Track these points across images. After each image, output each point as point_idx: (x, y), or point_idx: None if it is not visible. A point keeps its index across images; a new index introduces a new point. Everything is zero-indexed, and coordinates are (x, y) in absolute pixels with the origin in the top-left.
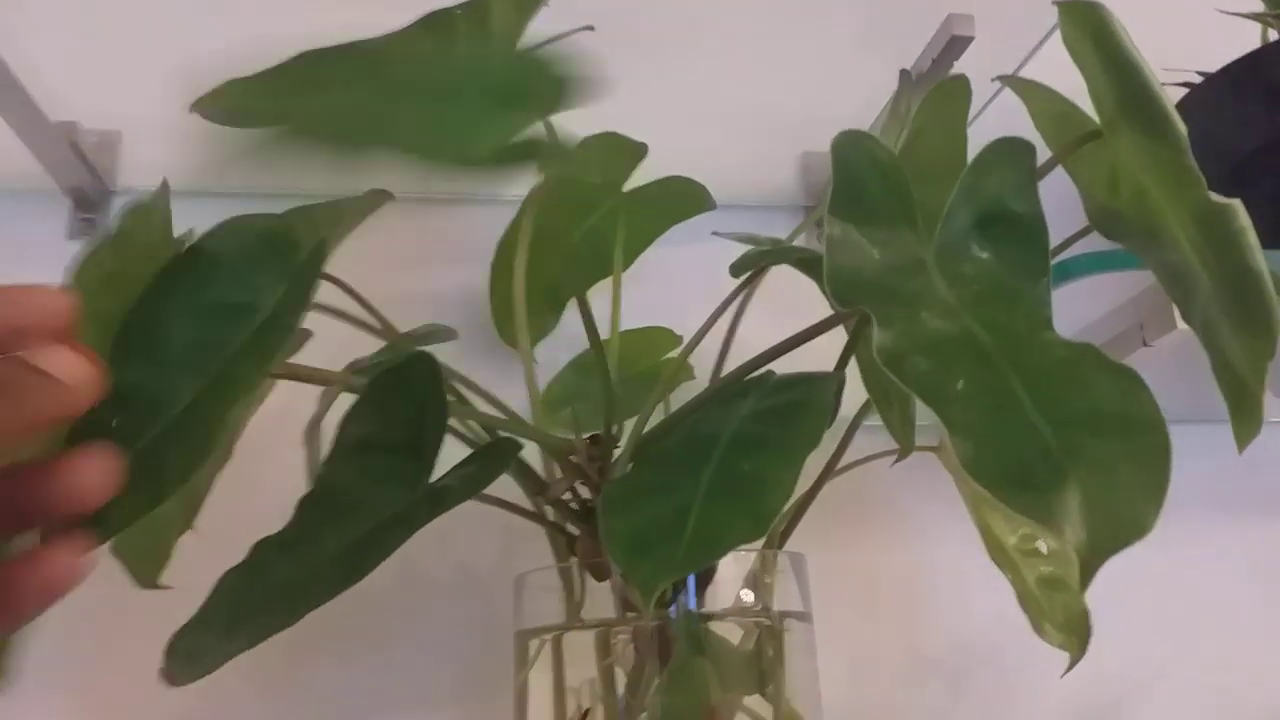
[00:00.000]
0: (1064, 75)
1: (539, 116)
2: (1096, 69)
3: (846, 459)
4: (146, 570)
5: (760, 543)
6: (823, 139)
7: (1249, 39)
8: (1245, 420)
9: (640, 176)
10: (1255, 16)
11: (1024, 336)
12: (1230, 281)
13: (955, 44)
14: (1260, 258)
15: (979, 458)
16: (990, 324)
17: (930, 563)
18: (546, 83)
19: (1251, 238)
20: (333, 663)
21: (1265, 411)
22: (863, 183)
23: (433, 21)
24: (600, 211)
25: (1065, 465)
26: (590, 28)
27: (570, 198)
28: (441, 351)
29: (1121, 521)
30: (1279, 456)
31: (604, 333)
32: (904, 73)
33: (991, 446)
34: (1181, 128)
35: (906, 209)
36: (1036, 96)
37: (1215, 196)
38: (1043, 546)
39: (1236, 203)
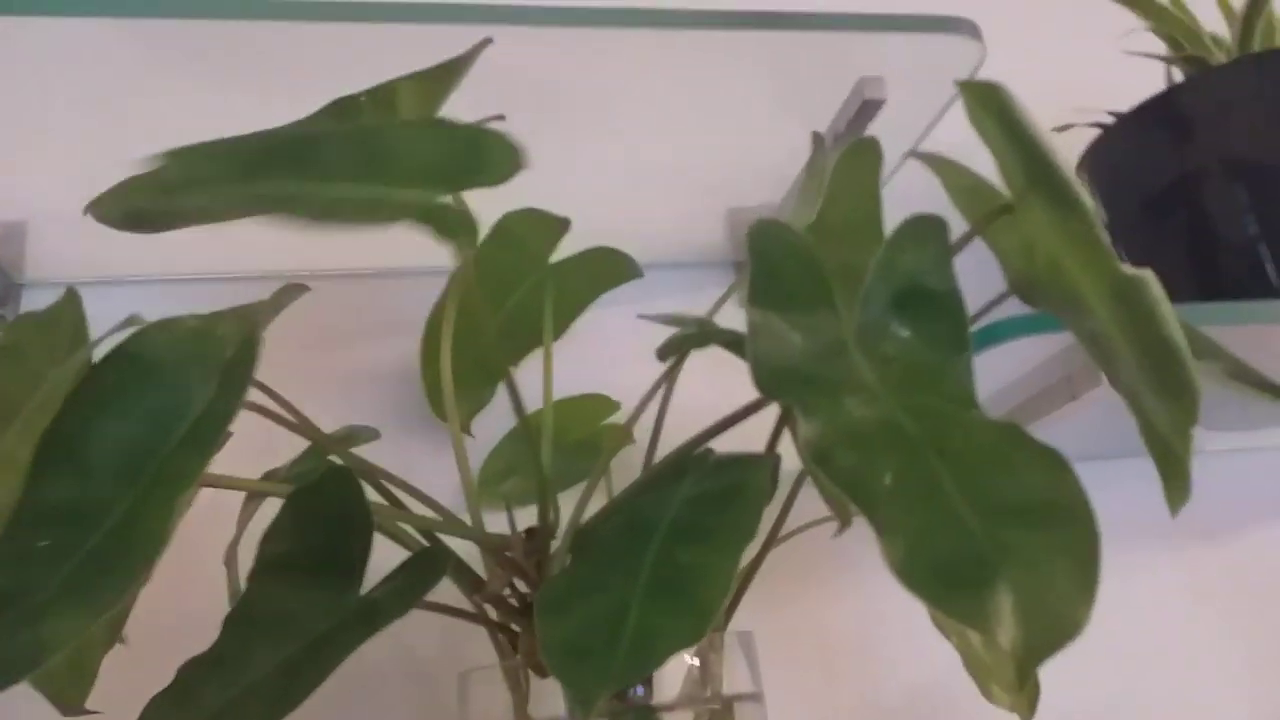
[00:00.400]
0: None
1: (487, 185)
2: (1002, 145)
3: (791, 522)
4: (72, 696)
5: None
6: (750, 195)
7: (1155, 80)
8: (1175, 485)
9: (569, 241)
10: (1161, 58)
11: (948, 417)
12: (1149, 352)
13: (867, 107)
14: (1176, 328)
15: (910, 560)
16: (914, 407)
17: (880, 614)
18: (491, 154)
19: (1166, 308)
20: None
21: (1198, 444)
22: (780, 269)
23: (338, 109)
24: (526, 285)
25: (995, 562)
26: (501, 116)
27: (495, 273)
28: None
29: (1055, 619)
30: (1217, 486)
31: (541, 402)
32: (816, 135)
33: (922, 546)
34: (1089, 202)
35: (824, 291)
36: (948, 171)
37: (1127, 268)
38: None
39: (1148, 274)
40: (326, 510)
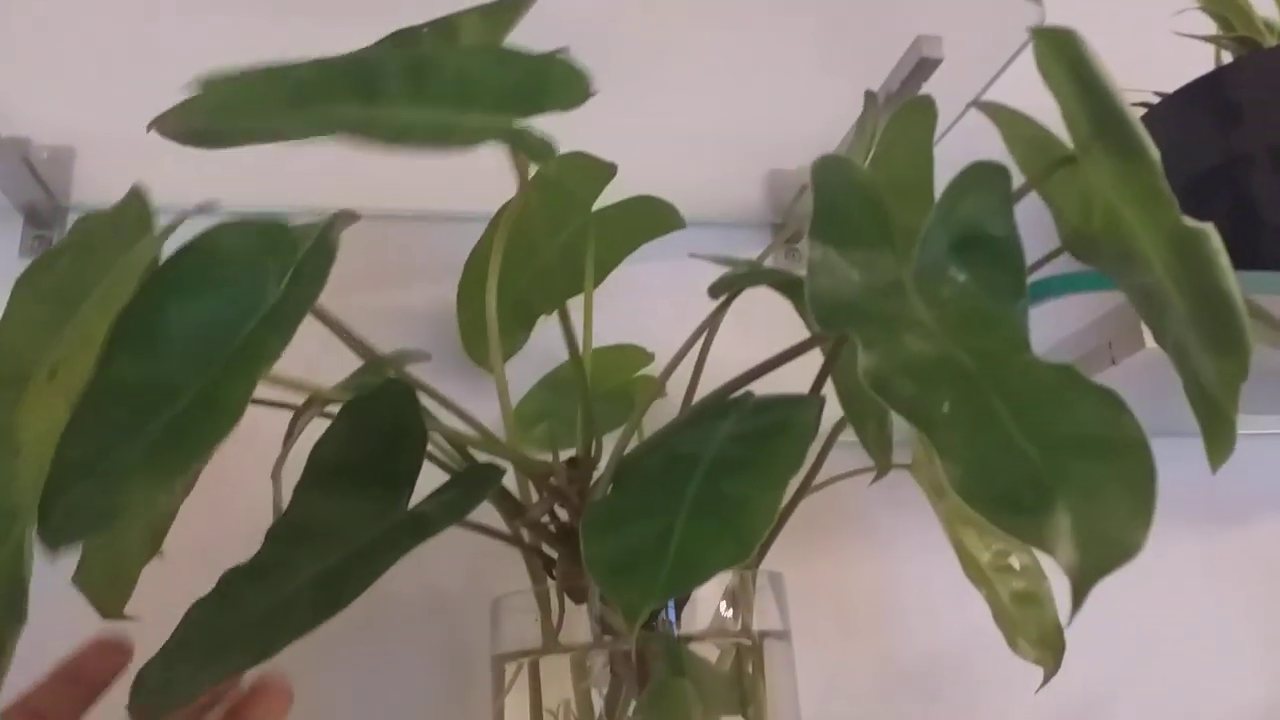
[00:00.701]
0: (1028, 97)
1: (557, 110)
2: (1070, 94)
3: (821, 476)
4: (111, 601)
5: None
6: (789, 158)
7: (1203, 61)
8: (1219, 440)
9: (609, 196)
10: (1209, 39)
11: (1004, 359)
12: (1203, 304)
13: (924, 66)
14: (1233, 281)
15: (968, 481)
16: (970, 347)
17: (901, 578)
18: (560, 81)
19: (1224, 261)
20: (302, 689)
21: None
22: (842, 206)
23: (399, 40)
24: (571, 228)
25: (1053, 488)
26: (566, 48)
27: (542, 214)
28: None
29: (1111, 542)
30: (1239, 469)
31: (565, 355)
32: (869, 94)
33: (980, 470)
34: (1155, 153)
35: (885, 231)
36: (1008, 121)
37: (1189, 220)
38: (1015, 563)
39: (1210, 227)
40: (382, 421)
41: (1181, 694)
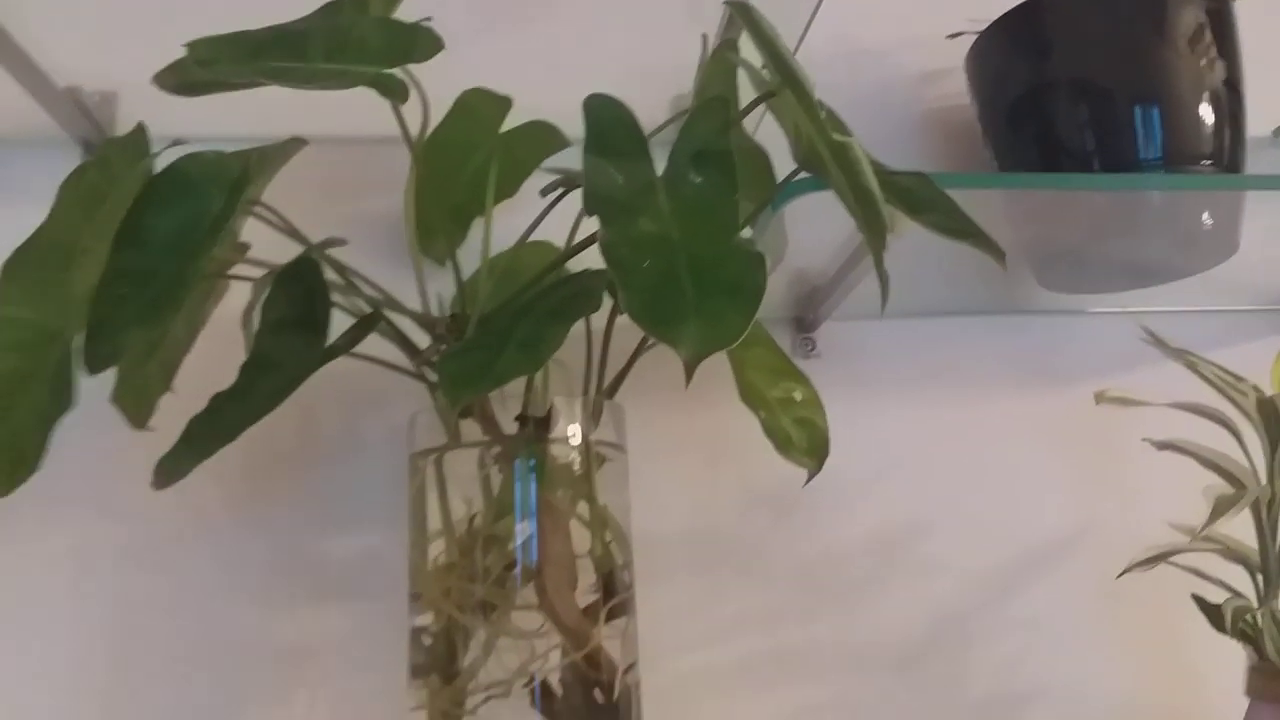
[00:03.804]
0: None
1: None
2: (763, 51)
3: None
4: (137, 417)
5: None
6: (691, 83)
7: None
8: (884, 293)
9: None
10: None
11: (710, 235)
12: (858, 197)
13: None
14: (872, 178)
15: (640, 309)
16: (688, 228)
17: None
18: (420, 41)
19: (865, 164)
20: (284, 492)
21: (1040, 303)
22: (609, 130)
23: (328, 10)
24: (484, 148)
25: (693, 314)
26: (429, 18)
27: (463, 136)
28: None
29: (713, 342)
30: (1063, 342)
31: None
32: (704, 36)
33: (651, 301)
34: (810, 86)
35: (641, 148)
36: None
37: (838, 136)
38: (798, 396)
39: (852, 140)
40: (299, 288)
41: (996, 523)
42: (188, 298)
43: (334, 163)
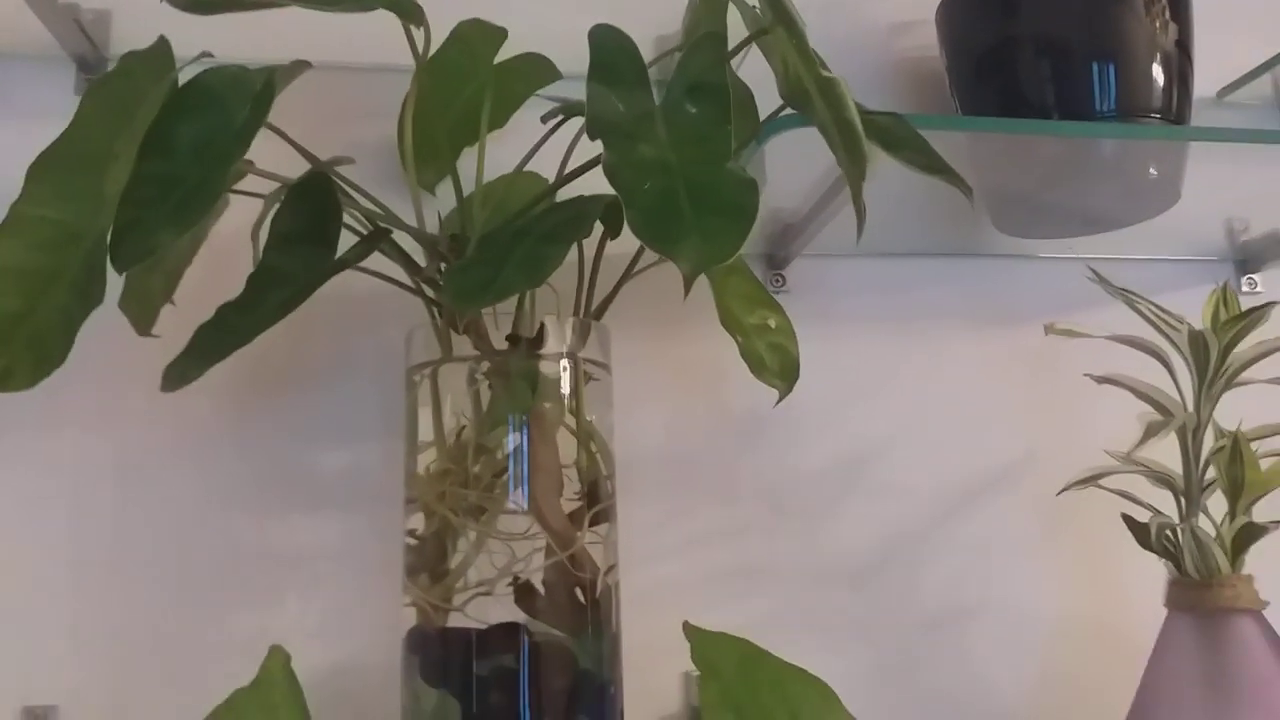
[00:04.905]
0: None
1: None
2: None
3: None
4: (141, 323)
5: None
6: (675, 22)
7: None
8: (860, 223)
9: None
10: None
11: (704, 161)
12: (840, 130)
13: None
14: (855, 112)
15: (643, 224)
16: (684, 155)
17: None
18: None
19: (850, 99)
20: (279, 409)
21: (995, 247)
22: (613, 59)
23: None
24: (477, 78)
25: (692, 231)
26: None
27: (458, 65)
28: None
29: (708, 258)
30: (1016, 284)
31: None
32: None
33: (653, 218)
34: (802, 24)
35: (643, 78)
36: (743, 5)
37: (825, 71)
38: (772, 323)
39: (838, 77)
40: (312, 201)
41: (949, 450)
42: (214, 203)
43: (325, 90)
